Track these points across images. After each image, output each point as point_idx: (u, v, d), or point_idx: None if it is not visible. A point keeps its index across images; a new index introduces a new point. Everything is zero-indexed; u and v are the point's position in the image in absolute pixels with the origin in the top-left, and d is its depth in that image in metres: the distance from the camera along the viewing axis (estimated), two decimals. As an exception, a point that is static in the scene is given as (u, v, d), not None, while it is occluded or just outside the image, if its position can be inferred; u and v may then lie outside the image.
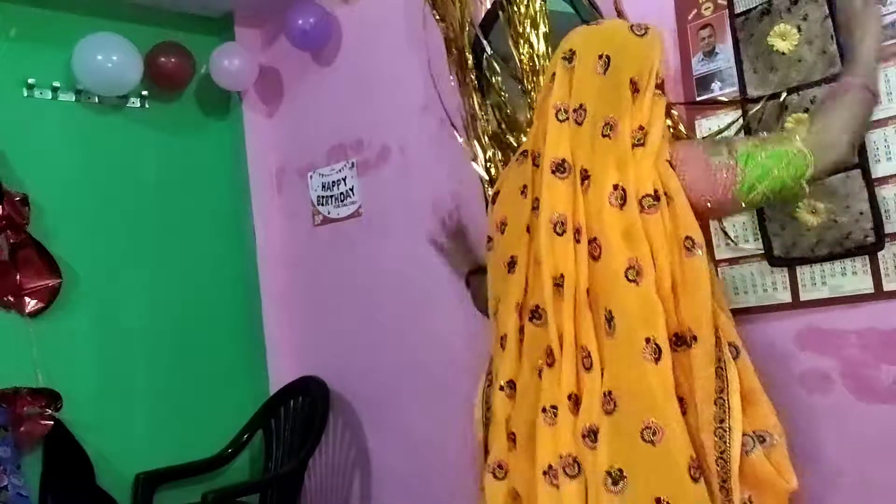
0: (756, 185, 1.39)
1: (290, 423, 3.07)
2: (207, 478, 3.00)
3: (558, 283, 1.41)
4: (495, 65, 2.35)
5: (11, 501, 2.46)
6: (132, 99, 3.10)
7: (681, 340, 1.35)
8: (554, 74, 1.53)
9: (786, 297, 1.88)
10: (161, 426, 3.00)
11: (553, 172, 1.45)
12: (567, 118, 1.47)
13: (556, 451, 1.38)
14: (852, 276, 1.78)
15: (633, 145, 1.42)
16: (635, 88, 1.45)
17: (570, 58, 1.51)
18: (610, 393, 1.34)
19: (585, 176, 1.43)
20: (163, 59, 3.10)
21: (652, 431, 1.30)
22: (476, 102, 2.41)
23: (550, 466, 1.37)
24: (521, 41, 2.21)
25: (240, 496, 2.80)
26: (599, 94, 1.46)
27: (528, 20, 2.18)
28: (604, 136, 1.43)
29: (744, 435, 1.34)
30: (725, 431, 1.32)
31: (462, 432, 2.59)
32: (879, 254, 1.74)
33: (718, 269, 1.98)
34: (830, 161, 1.42)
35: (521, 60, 2.22)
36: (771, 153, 1.40)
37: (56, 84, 2.90)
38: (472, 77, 2.42)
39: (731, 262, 1.96)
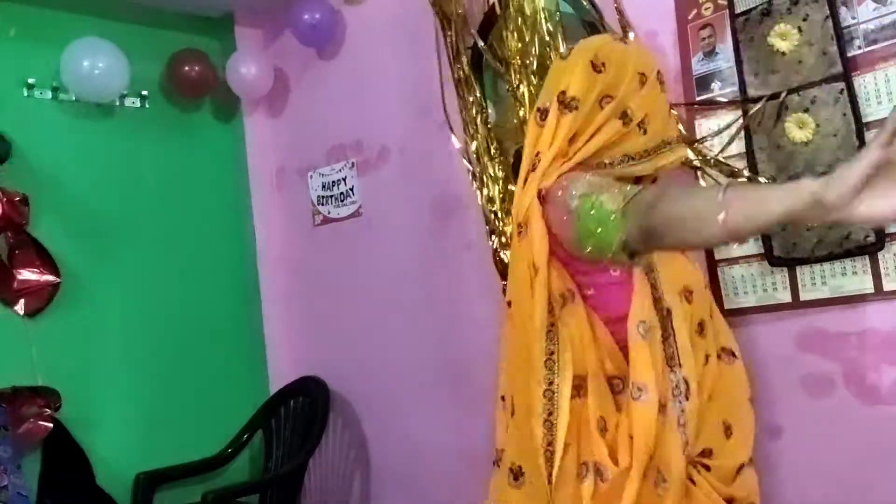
0: (584, 240, 1.29)
1: (290, 424, 3.07)
2: (207, 478, 3.00)
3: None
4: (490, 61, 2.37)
5: (11, 501, 2.46)
6: (132, 99, 3.10)
7: None
8: None
9: (786, 297, 1.88)
10: (161, 426, 2.99)
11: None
12: None
13: None
14: (852, 277, 1.78)
15: (529, 171, 1.45)
16: (542, 117, 1.47)
17: None
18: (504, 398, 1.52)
19: None
20: (186, 67, 3.12)
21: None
22: (473, 99, 2.43)
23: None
24: (514, 36, 2.21)
25: (240, 496, 2.80)
26: None
27: (521, 16, 2.18)
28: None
29: (582, 463, 1.34)
30: (552, 454, 1.33)
31: (461, 432, 2.60)
32: (879, 254, 1.74)
33: (718, 269, 1.98)
34: (661, 241, 1.22)
35: (509, 54, 2.22)
36: (600, 208, 1.25)
37: (56, 84, 2.90)
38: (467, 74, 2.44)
39: (731, 262, 1.96)
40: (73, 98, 2.94)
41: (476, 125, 2.43)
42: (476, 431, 2.42)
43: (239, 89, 3.21)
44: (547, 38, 2.14)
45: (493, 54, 2.35)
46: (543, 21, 2.14)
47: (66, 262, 2.83)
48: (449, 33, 2.47)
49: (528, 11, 2.17)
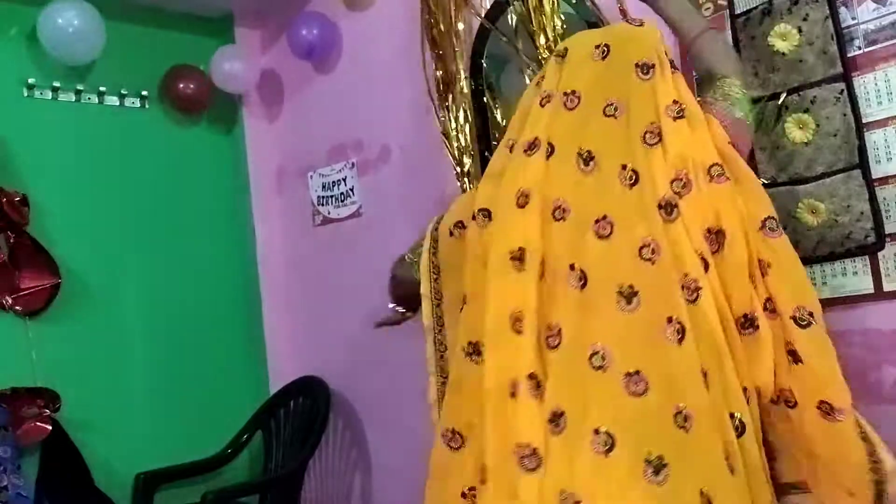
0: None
1: (290, 424, 3.06)
2: (207, 478, 3.00)
3: (515, 258, 1.35)
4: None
5: (11, 501, 2.46)
6: (132, 99, 3.10)
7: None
8: (543, 76, 1.52)
9: (786, 297, 1.88)
10: (161, 426, 2.99)
11: (525, 151, 1.41)
12: (548, 102, 1.45)
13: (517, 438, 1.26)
14: (853, 277, 1.78)
15: (675, 118, 1.36)
16: (645, 70, 1.39)
17: (562, 54, 1.50)
18: (638, 373, 1.23)
19: (590, 157, 1.38)
20: (181, 84, 3.12)
21: (683, 417, 1.20)
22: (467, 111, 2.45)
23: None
24: (536, 30, 2.20)
25: (240, 496, 2.80)
26: (597, 78, 1.43)
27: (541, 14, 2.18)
28: (607, 115, 1.39)
29: None
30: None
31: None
32: (880, 254, 1.75)
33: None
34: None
35: (539, 47, 2.20)
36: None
37: (56, 84, 2.90)
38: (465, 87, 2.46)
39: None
40: (73, 99, 2.94)
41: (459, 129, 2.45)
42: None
43: (225, 85, 3.20)
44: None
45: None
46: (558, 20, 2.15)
47: (66, 263, 2.82)
48: (435, 31, 2.48)
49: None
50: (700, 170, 1.33)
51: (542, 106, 1.45)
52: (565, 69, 1.47)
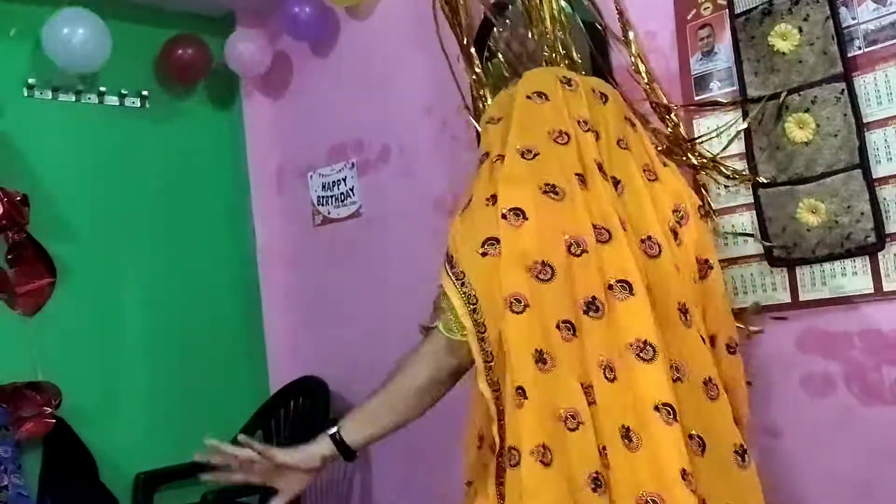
0: None
1: (290, 424, 3.06)
2: (208, 478, 3.00)
3: (622, 282, 1.35)
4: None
5: (12, 501, 2.46)
6: (132, 99, 3.10)
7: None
8: (542, 94, 1.46)
9: (785, 297, 1.88)
10: (161, 426, 2.99)
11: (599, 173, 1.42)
12: (588, 130, 1.44)
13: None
14: (853, 277, 1.78)
15: (664, 164, 1.52)
16: (632, 124, 1.52)
17: (568, 83, 1.48)
18: (711, 379, 1.39)
19: (616, 181, 1.43)
20: (180, 50, 3.11)
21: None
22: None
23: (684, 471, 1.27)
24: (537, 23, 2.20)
25: (240, 496, 2.80)
26: (605, 116, 1.47)
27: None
28: (621, 148, 1.46)
29: None
30: None
31: (462, 431, 2.59)
32: (880, 254, 1.74)
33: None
34: None
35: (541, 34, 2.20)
36: None
37: (56, 84, 2.90)
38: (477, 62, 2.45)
39: (731, 262, 1.95)
40: (73, 99, 2.95)
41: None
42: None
43: (237, 67, 3.19)
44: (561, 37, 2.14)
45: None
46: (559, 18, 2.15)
47: (67, 262, 2.83)
48: (459, 20, 2.46)
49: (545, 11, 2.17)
50: (692, 206, 1.48)
51: (585, 132, 1.43)
52: (583, 103, 1.47)
